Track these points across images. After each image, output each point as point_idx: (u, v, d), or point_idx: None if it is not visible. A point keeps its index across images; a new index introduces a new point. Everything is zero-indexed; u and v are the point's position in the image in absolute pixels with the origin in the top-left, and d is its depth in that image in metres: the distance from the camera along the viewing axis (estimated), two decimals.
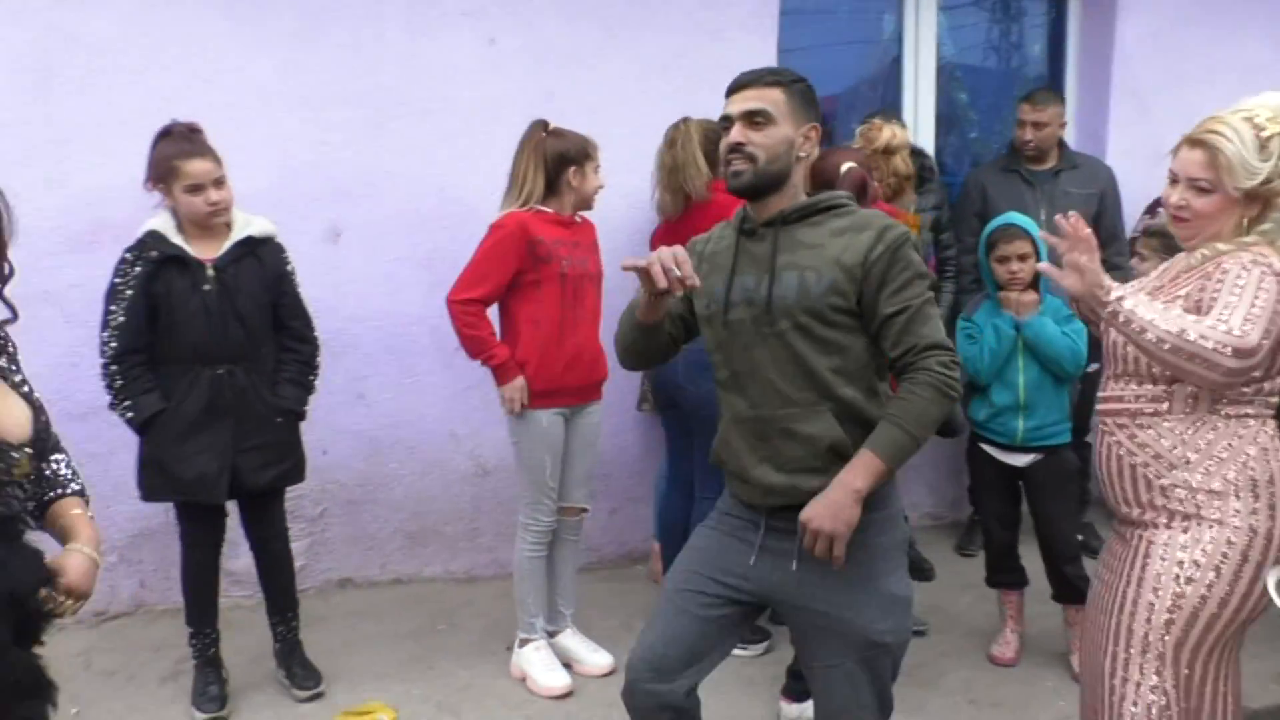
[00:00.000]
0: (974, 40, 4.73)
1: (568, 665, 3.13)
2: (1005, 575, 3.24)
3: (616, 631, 3.34)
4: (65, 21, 3.27)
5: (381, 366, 3.72)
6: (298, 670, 3.03)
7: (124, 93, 3.34)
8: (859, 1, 4.49)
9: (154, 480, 2.82)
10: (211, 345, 2.76)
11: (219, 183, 2.75)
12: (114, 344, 2.75)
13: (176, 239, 2.75)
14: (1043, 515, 3.12)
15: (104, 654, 3.28)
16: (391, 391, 3.77)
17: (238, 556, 3.08)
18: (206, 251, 2.78)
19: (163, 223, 2.77)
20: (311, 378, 2.99)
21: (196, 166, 2.70)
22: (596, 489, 3.30)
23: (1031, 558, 3.20)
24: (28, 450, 1.42)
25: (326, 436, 3.54)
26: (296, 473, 3.00)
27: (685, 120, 3.24)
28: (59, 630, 2.61)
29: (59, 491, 1.61)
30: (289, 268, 2.95)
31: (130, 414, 2.76)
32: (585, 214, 3.11)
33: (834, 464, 1.82)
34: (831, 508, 1.72)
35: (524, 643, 3.12)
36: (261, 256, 2.86)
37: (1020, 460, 3.11)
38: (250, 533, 3.01)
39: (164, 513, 3.51)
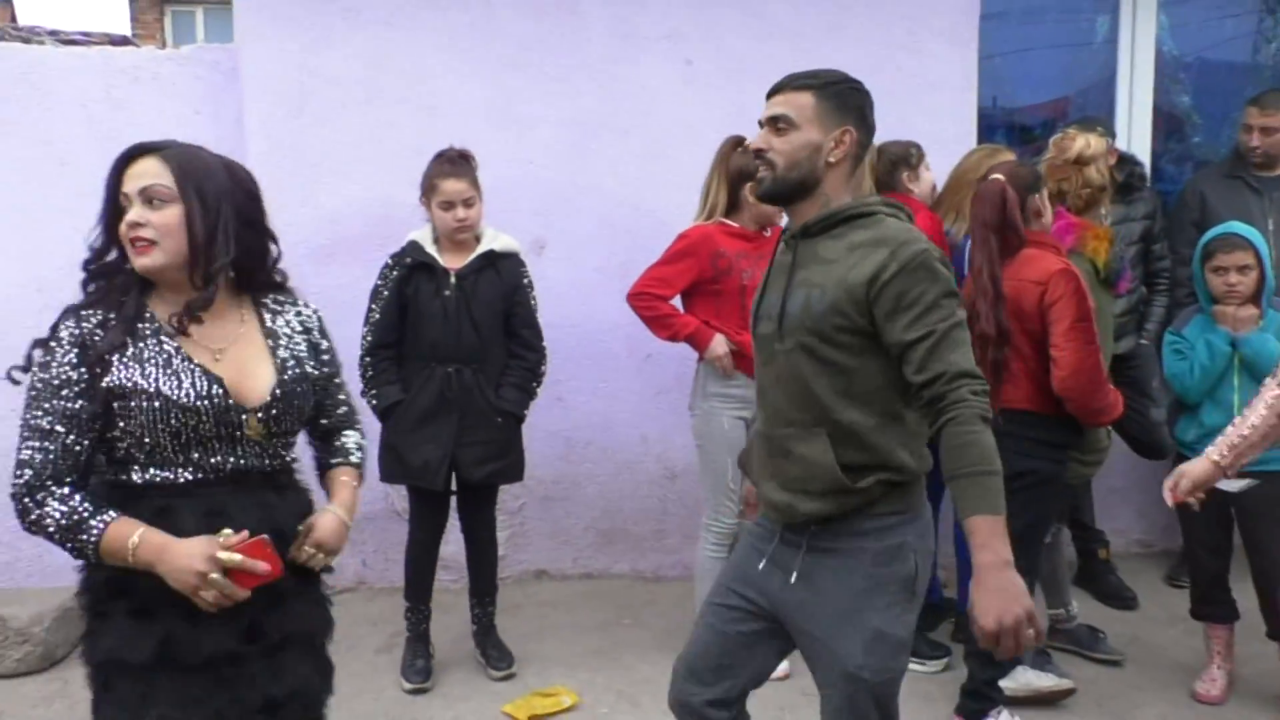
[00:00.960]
0: (1200, 39, 4.42)
1: None
2: (1212, 607, 3.03)
3: None
4: (313, 60, 3.71)
5: (579, 371, 3.94)
6: (492, 651, 3.28)
7: (359, 121, 3.73)
8: (1070, 2, 4.32)
9: (389, 464, 3.14)
10: (446, 345, 3.06)
11: (468, 203, 3.05)
12: (369, 338, 3.10)
13: (430, 249, 3.08)
14: (1257, 545, 2.90)
15: None
16: (587, 395, 3.99)
17: (446, 543, 3.36)
18: (455, 262, 3.08)
19: (423, 234, 3.12)
20: (534, 384, 3.23)
21: (451, 186, 3.02)
22: None
23: (1246, 591, 2.98)
24: (259, 414, 1.63)
25: (527, 435, 3.79)
26: (512, 471, 3.24)
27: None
28: None
29: (339, 460, 1.87)
30: (525, 281, 3.21)
31: (375, 402, 3.10)
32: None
33: (829, 488, 1.74)
34: (998, 597, 1.55)
35: None
36: (501, 269, 3.14)
37: (1233, 486, 2.89)
38: (463, 521, 3.30)
39: (384, 500, 3.88)
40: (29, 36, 3.73)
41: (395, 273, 3.08)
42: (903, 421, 1.77)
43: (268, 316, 1.73)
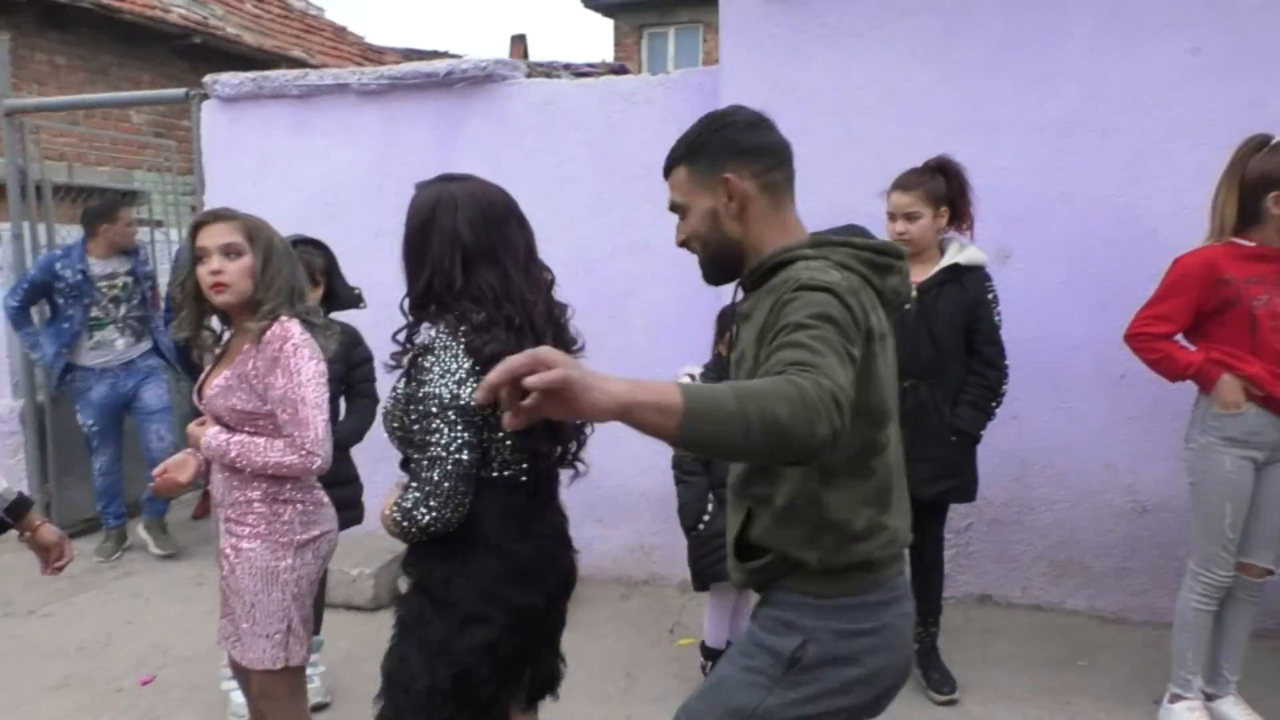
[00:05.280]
0: None
1: None
2: None
3: None
4: (785, 76, 3.84)
5: (1038, 389, 3.70)
6: (934, 674, 3.20)
7: (823, 133, 3.79)
8: None
9: None
10: (903, 359, 2.99)
11: (910, 217, 3.01)
12: None
13: None
14: None
15: None
16: (1047, 415, 3.74)
17: None
18: (917, 274, 3.03)
19: None
20: (993, 404, 3.10)
21: (895, 198, 3.03)
22: None
23: None
24: None
25: (978, 453, 3.63)
26: (963, 492, 3.15)
27: None
28: None
29: None
30: (990, 295, 3.09)
31: None
32: None
33: (741, 561, 1.61)
34: (585, 373, 1.10)
35: (1175, 699, 2.90)
36: (964, 283, 3.05)
37: None
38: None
39: None
40: (549, 72, 4.29)
41: None
42: (819, 543, 1.52)
43: None
